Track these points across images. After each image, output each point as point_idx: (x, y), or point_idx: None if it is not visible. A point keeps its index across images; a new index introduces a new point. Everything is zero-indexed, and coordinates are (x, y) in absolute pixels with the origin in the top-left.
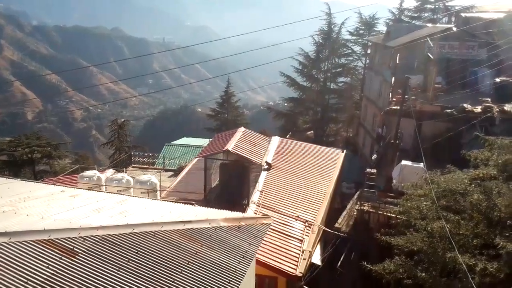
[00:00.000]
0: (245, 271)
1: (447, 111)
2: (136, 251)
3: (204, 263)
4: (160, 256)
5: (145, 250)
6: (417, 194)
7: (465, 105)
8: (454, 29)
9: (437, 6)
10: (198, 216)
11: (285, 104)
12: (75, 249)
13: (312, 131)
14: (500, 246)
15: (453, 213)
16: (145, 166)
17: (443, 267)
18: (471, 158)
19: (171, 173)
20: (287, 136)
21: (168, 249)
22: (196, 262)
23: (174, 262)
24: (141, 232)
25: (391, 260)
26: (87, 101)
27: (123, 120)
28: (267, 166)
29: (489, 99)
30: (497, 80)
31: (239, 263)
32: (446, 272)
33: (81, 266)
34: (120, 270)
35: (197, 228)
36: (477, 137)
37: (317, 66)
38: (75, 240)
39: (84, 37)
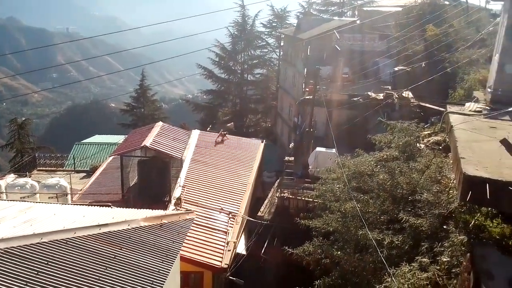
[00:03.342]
0: (169, 270)
1: (354, 99)
2: (46, 262)
3: (125, 266)
4: (74, 264)
5: (56, 260)
6: (331, 178)
7: (369, 93)
8: (358, 22)
9: (342, 0)
10: (116, 218)
11: (204, 97)
12: None
13: (232, 123)
14: (403, 220)
15: (362, 193)
16: (52, 169)
17: (356, 244)
18: (376, 142)
19: (84, 174)
20: (208, 129)
21: (83, 256)
22: (115, 266)
23: (91, 270)
24: (50, 241)
25: (310, 242)
26: None
27: (24, 119)
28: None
29: (389, 87)
30: (396, 69)
31: (162, 263)
32: (359, 249)
33: None
34: (28, 284)
35: (115, 231)
36: (380, 122)
37: (234, 58)
38: None
39: None
